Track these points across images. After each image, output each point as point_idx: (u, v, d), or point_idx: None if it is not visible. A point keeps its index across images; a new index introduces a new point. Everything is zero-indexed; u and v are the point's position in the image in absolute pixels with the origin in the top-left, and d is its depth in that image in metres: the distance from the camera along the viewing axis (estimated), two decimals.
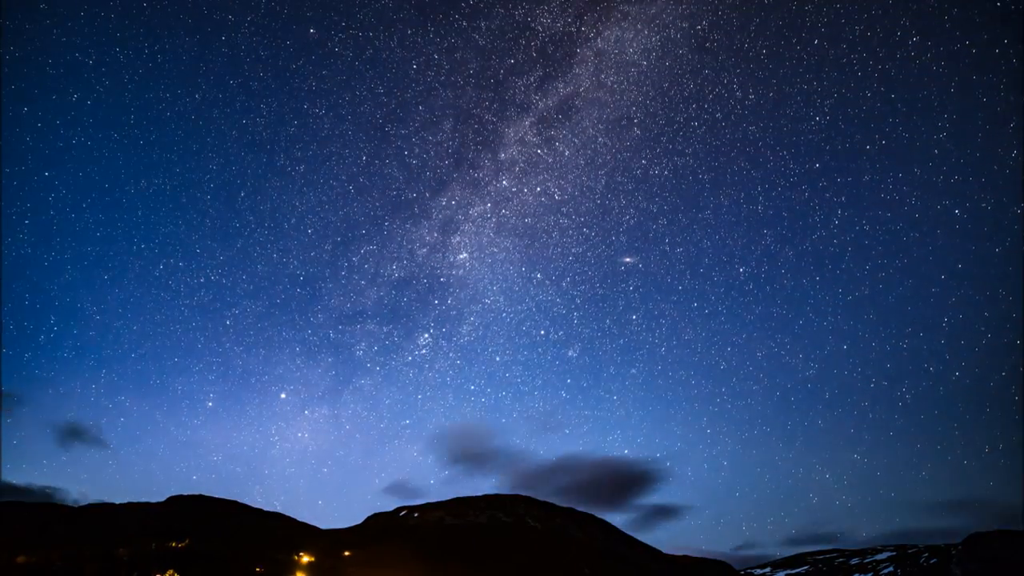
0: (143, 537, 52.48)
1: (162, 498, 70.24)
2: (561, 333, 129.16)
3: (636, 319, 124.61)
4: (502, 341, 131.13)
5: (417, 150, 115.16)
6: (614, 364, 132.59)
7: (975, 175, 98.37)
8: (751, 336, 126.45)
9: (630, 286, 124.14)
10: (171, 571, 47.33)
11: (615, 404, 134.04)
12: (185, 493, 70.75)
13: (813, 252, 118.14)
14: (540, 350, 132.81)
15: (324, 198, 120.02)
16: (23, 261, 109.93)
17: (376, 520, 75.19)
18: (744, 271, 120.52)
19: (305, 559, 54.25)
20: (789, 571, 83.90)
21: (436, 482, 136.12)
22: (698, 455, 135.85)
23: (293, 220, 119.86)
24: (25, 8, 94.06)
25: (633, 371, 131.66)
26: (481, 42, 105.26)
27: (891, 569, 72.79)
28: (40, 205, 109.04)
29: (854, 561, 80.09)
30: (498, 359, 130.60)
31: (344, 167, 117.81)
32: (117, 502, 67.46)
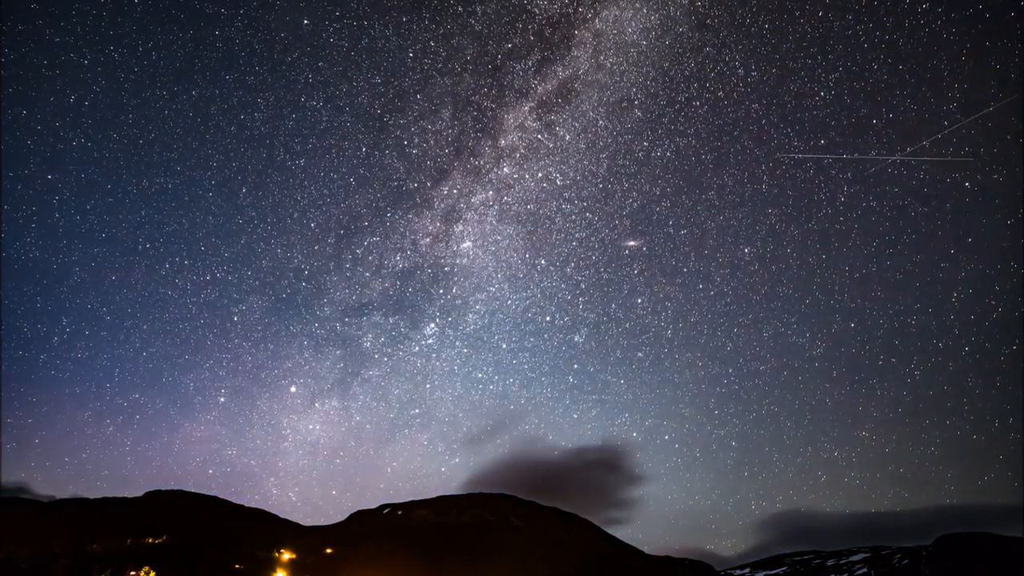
0: (118, 533, 51.18)
1: (139, 492, 68.74)
2: (567, 319, 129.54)
3: (641, 303, 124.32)
4: (508, 329, 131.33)
5: (416, 139, 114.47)
6: (620, 348, 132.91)
7: (986, 146, 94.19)
8: (757, 316, 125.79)
9: (634, 270, 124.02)
10: (147, 567, 46.31)
11: (622, 388, 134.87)
12: (165, 488, 69.38)
13: (819, 230, 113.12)
14: (546, 336, 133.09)
15: (325, 191, 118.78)
16: (32, 265, 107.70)
17: (359, 517, 74.54)
18: (749, 251, 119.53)
19: (286, 556, 53.60)
20: (768, 572, 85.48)
21: (447, 470, 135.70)
22: (706, 436, 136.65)
23: (295, 214, 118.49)
24: (17, 9, 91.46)
25: (639, 354, 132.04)
26: (477, 27, 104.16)
27: (865, 570, 74.68)
28: (45, 208, 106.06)
29: (830, 562, 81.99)
30: (504, 347, 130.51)
31: (344, 159, 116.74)
32: (91, 497, 65.74)
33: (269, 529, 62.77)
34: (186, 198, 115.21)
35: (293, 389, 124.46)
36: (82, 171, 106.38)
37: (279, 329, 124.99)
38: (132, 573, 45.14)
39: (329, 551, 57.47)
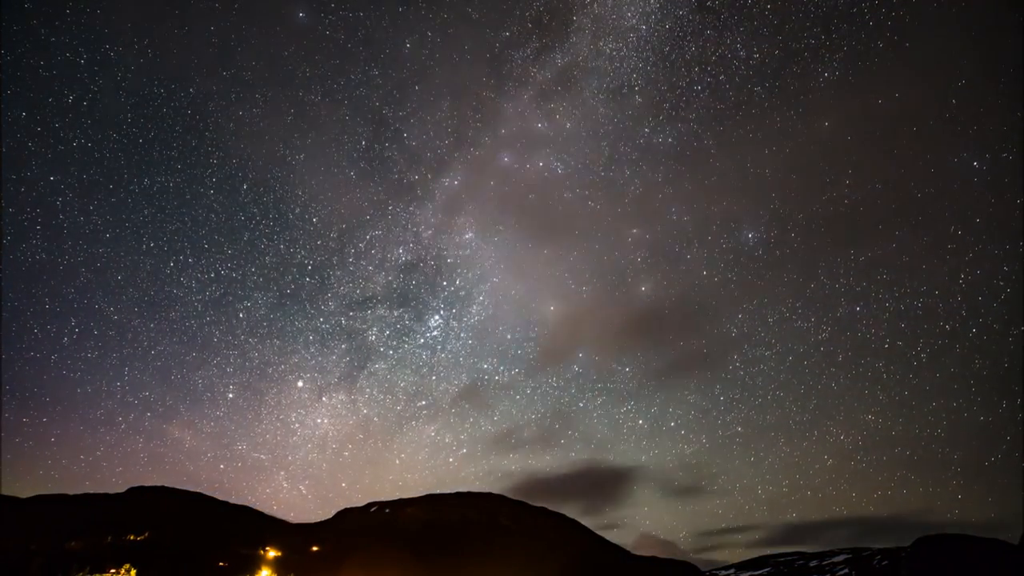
0: (98, 530, 50.06)
1: (122, 488, 67.34)
2: (570, 308, 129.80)
3: (645, 290, 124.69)
4: (512, 319, 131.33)
5: (416, 131, 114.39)
6: (625, 336, 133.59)
7: (995, 124, 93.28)
8: (762, 302, 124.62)
9: (638, 257, 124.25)
10: (127, 565, 45.34)
11: (627, 376, 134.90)
12: (148, 484, 67.98)
13: (823, 214, 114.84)
14: (550, 326, 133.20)
15: (327, 186, 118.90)
16: (39, 266, 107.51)
17: (347, 515, 73.85)
18: (753, 236, 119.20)
19: (271, 554, 52.90)
20: (753, 572, 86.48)
21: (454, 460, 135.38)
22: (712, 422, 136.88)
23: (297, 210, 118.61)
24: (12, 9, 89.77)
25: (644, 342, 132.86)
26: (474, 16, 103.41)
27: (846, 571, 75.91)
28: (49, 210, 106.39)
29: (813, 563, 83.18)
30: (509, 337, 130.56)
31: (344, 153, 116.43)
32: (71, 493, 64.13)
33: (255, 526, 61.89)
34: (188, 196, 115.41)
35: (300, 384, 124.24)
36: (83, 172, 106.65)
37: (284, 325, 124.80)
38: (113, 571, 44.17)
39: (315, 548, 56.86)
